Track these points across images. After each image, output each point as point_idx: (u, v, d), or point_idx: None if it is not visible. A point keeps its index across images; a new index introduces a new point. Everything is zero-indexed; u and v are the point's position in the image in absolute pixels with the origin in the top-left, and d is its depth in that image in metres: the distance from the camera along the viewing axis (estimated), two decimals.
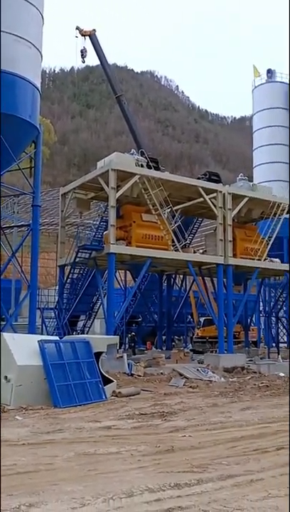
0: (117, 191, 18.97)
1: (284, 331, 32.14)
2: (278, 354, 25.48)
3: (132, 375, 16.35)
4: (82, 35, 28.11)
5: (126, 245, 19.69)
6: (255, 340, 32.41)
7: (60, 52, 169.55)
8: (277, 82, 35.37)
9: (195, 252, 23.49)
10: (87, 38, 28.19)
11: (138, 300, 26.24)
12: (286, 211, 24.05)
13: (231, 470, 5.97)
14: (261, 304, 32.86)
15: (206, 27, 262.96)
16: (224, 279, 22.40)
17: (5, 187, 17.77)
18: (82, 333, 22.10)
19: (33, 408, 10.21)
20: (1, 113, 15.32)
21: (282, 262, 26.04)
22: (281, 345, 30.19)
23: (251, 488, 5.26)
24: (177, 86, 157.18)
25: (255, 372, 18.49)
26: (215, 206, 21.84)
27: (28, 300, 17.50)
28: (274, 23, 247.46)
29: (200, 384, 15.26)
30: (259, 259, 23.05)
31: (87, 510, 4.51)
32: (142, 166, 20.47)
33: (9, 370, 10.57)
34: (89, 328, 23.48)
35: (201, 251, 24.79)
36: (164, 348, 25.28)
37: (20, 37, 16.12)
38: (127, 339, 25.49)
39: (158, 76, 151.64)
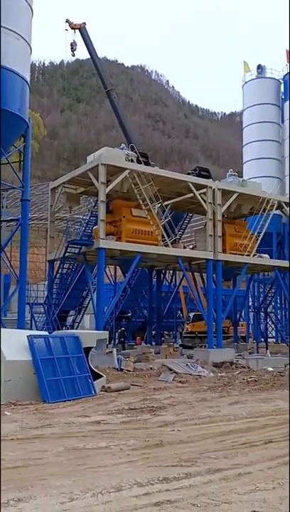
0: (107, 186, 18.91)
1: (273, 326, 32.42)
2: (267, 349, 25.69)
3: (122, 370, 16.38)
4: (72, 28, 27.92)
5: (116, 240, 19.66)
6: (244, 335, 32.64)
7: (50, 45, 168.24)
8: (267, 78, 35.38)
9: (184, 248, 23.53)
10: (77, 31, 28.02)
11: (128, 295, 26.25)
12: (275, 207, 24.18)
13: (219, 464, 6.02)
14: (250, 299, 33.08)
15: (198, 22, 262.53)
16: (214, 275, 22.49)
17: None
18: (72, 328, 22.07)
19: (22, 403, 10.17)
20: None
21: (271, 257, 26.21)
22: (269, 340, 30.44)
23: (239, 482, 5.31)
24: (167, 81, 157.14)
25: (244, 367, 18.62)
26: (204, 202, 21.87)
27: (17, 295, 17.42)
28: (265, 18, 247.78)
29: (189, 379, 15.32)
30: (248, 255, 23.17)
31: (76, 505, 4.51)
32: (132, 160, 20.42)
33: None
34: (79, 323, 23.45)
35: (191, 246, 24.82)
36: (154, 343, 25.34)
37: (9, 29, 15.95)
38: (117, 334, 25.51)
39: (149, 70, 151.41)
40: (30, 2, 17.29)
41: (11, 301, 20.35)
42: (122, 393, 12.12)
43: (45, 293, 23.92)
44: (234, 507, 4.52)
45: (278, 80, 35.57)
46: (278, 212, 25.72)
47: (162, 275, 27.18)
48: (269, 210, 23.73)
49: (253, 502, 4.67)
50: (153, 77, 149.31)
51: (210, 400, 11.33)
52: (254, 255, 23.75)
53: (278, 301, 33.49)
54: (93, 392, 11.69)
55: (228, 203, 22.53)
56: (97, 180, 18.85)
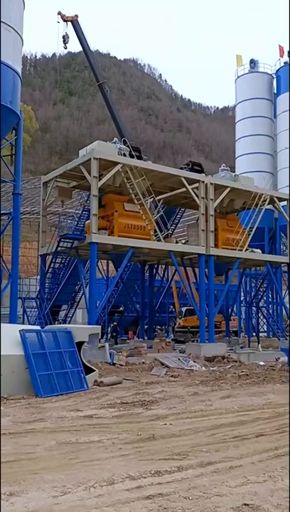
0: (99, 180, 18.85)
1: (264, 320, 32.60)
2: (259, 343, 25.86)
3: (114, 364, 16.42)
4: (64, 20, 27.70)
5: (108, 235, 19.62)
6: (236, 329, 32.81)
7: (42, 37, 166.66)
8: (260, 72, 35.34)
9: (177, 242, 23.56)
10: (69, 23, 27.80)
11: (120, 290, 26.26)
12: (267, 202, 24.26)
13: (211, 457, 6.07)
14: (242, 294, 33.21)
15: (191, 15, 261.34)
16: (206, 269, 22.55)
17: None
18: (64, 322, 22.05)
19: (15, 398, 10.17)
20: None
21: (263, 252, 26.30)
22: (261, 334, 30.60)
23: (231, 475, 5.35)
24: (160, 74, 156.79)
25: (235, 361, 18.73)
26: (197, 196, 21.88)
27: (9, 289, 17.35)
28: (259, 12, 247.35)
29: (182, 373, 15.39)
30: (240, 250, 23.25)
31: (68, 499, 4.53)
32: (124, 155, 20.36)
33: None
34: (71, 317, 23.43)
35: (183, 241, 24.85)
36: (146, 338, 25.41)
37: (1, 21, 15.77)
38: (109, 329, 25.53)
39: (142, 64, 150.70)
40: None
41: (3, 296, 20.25)
42: (114, 387, 12.15)
43: (37, 287, 23.86)
44: (226, 500, 4.56)
45: (271, 75, 35.57)
46: (270, 207, 25.79)
47: (154, 270, 27.20)
48: (261, 205, 23.80)
49: (244, 495, 4.72)
50: (145, 71, 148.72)
51: (201, 393, 11.40)
52: (246, 250, 23.83)
53: (270, 295, 33.69)
54: (85, 387, 11.70)
55: (220, 198, 22.56)
56: (90, 175, 18.77)
